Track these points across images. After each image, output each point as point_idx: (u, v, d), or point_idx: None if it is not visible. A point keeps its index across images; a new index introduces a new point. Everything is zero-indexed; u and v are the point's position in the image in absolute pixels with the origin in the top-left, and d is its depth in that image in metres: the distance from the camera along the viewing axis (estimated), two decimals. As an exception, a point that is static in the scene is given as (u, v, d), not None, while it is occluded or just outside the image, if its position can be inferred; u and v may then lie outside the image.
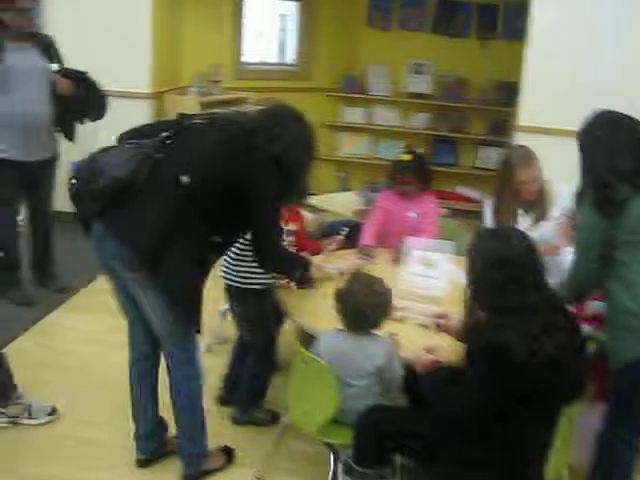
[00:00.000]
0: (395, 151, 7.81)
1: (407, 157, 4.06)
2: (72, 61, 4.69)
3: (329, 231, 5.55)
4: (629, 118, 2.64)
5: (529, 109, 5.34)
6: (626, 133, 2.59)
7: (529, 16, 5.27)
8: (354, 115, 7.99)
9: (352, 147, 8.04)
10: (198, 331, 2.91)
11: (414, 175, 4.03)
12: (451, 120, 7.82)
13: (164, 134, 2.86)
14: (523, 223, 3.80)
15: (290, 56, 7.82)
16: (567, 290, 2.69)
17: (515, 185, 3.75)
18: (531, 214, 3.86)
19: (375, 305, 2.72)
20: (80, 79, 4.60)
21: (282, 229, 3.11)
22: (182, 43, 6.68)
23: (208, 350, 4.18)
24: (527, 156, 3.78)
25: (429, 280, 3.40)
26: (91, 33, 5.80)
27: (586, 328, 2.91)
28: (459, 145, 7.95)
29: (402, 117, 7.97)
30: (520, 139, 5.25)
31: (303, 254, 3.66)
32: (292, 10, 7.67)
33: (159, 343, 3.00)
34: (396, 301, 3.04)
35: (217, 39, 6.95)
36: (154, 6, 5.85)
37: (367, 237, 4.00)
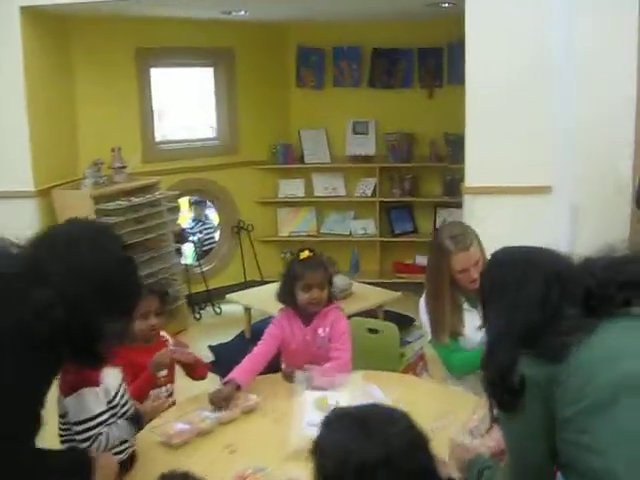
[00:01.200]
0: (344, 224, 7.00)
1: (305, 254, 3.13)
2: None
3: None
4: (539, 252, 1.85)
5: (475, 167, 4.42)
6: (533, 274, 1.75)
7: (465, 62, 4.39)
8: (292, 188, 7.04)
9: (294, 224, 7.07)
10: None
11: (314, 274, 3.05)
12: (402, 182, 6.87)
13: None
14: (470, 322, 3.01)
15: (211, 129, 6.90)
16: None
17: (453, 274, 2.99)
18: (480, 307, 2.98)
19: None
20: None
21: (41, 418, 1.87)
22: (77, 129, 5.78)
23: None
24: (463, 236, 3.00)
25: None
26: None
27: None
28: (415, 209, 7.04)
29: (347, 185, 7.05)
30: (468, 202, 4.40)
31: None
32: (207, 77, 6.74)
33: None
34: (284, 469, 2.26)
35: (122, 119, 6.02)
36: (28, 90, 4.94)
37: (239, 370, 2.91)
